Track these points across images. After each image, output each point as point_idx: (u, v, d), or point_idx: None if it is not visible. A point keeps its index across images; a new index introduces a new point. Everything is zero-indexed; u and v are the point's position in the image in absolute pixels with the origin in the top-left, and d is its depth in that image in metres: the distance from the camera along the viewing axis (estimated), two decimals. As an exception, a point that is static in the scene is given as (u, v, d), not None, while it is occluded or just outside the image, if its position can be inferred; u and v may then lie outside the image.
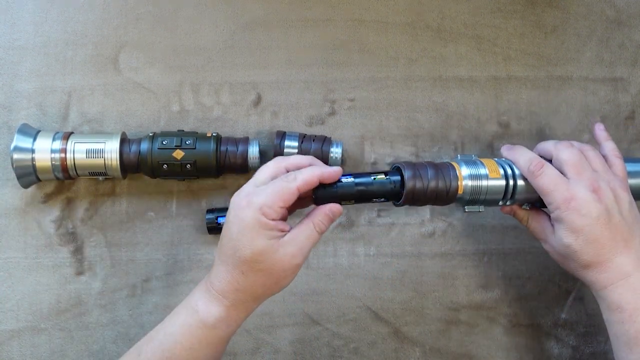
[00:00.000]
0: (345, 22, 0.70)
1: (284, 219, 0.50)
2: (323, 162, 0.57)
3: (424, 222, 0.67)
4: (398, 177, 0.53)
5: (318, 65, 0.69)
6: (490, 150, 0.69)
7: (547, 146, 0.56)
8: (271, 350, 0.65)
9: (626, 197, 0.52)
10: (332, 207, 0.50)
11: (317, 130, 0.68)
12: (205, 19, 0.69)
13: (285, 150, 0.63)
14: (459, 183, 0.53)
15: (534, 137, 0.69)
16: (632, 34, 0.72)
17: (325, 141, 0.64)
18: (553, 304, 0.67)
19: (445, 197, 0.54)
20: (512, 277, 0.67)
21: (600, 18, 0.72)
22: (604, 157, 0.56)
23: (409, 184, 0.52)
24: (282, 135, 0.64)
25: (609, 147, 0.57)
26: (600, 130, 0.60)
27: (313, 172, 0.49)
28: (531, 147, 0.69)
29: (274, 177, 0.50)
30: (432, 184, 0.52)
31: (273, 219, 0.48)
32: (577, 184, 0.52)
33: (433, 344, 0.65)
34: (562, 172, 0.53)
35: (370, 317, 0.66)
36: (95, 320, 0.64)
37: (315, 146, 0.63)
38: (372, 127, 0.68)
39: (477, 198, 0.55)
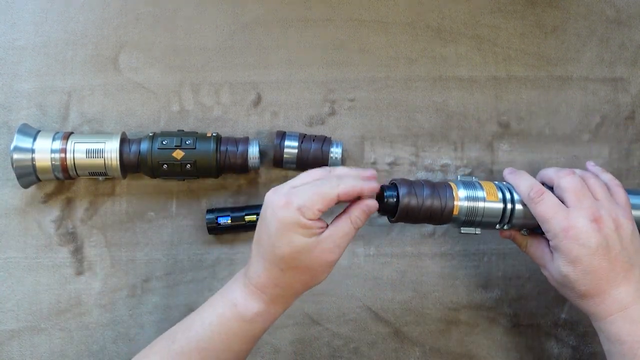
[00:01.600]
0: (345, 22, 0.70)
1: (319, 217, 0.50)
2: (323, 162, 0.57)
3: (424, 222, 0.67)
4: (394, 193, 0.53)
5: (318, 65, 0.69)
6: (491, 150, 0.69)
7: (549, 173, 0.55)
8: (271, 350, 0.65)
9: (629, 226, 0.51)
10: (369, 203, 0.50)
11: (317, 130, 0.68)
12: (205, 19, 0.69)
13: (285, 150, 0.63)
14: (454, 203, 0.53)
15: (534, 137, 0.69)
16: (632, 34, 0.72)
17: (325, 141, 0.64)
18: (553, 304, 0.67)
19: (440, 217, 0.54)
20: (512, 277, 0.67)
21: (600, 18, 0.72)
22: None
23: (403, 200, 0.52)
24: (282, 135, 0.64)
25: (608, 177, 0.56)
26: (592, 167, 0.59)
27: (355, 183, 0.49)
28: (531, 147, 0.69)
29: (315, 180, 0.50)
30: (427, 202, 0.53)
31: (310, 219, 0.48)
32: (576, 212, 0.51)
33: (433, 344, 0.65)
34: (562, 200, 0.52)
35: (370, 317, 0.66)
36: (95, 320, 0.64)
37: (315, 146, 0.63)
38: (372, 127, 0.68)
39: (473, 220, 0.54)
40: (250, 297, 0.50)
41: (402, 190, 0.53)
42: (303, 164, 0.63)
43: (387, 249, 0.67)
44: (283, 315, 0.65)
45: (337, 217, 0.50)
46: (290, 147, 0.63)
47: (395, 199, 0.53)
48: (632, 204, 0.55)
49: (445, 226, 0.67)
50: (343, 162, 0.67)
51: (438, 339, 0.66)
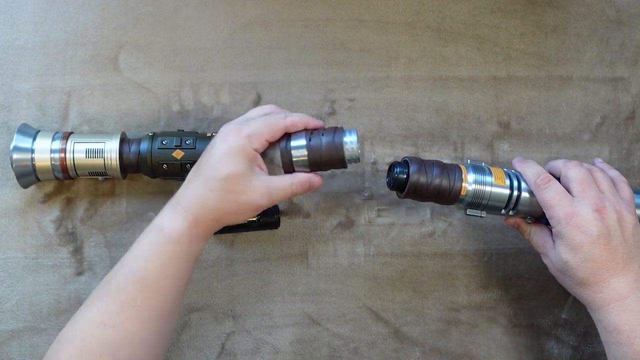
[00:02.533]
0: (345, 22, 0.70)
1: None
2: (339, 158, 0.54)
3: (424, 222, 0.67)
4: (404, 169, 0.56)
5: (318, 65, 0.69)
6: (491, 150, 0.69)
7: (557, 164, 0.57)
8: (271, 350, 0.65)
9: (631, 220, 0.53)
10: (314, 178, 0.54)
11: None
12: (205, 19, 0.69)
13: (293, 152, 0.54)
14: (462, 184, 0.55)
15: (534, 137, 0.69)
16: (633, 34, 0.72)
17: (337, 132, 0.54)
18: (553, 304, 0.67)
19: (447, 196, 0.55)
20: (512, 277, 0.67)
21: (600, 18, 0.72)
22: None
23: (413, 177, 0.55)
24: (287, 137, 0.55)
25: (614, 173, 0.58)
26: (600, 163, 0.61)
27: (302, 116, 0.54)
28: (532, 147, 0.69)
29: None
30: (436, 181, 0.55)
31: (256, 150, 0.51)
32: (581, 201, 0.52)
33: (433, 344, 0.65)
34: (568, 190, 0.54)
35: (370, 317, 0.66)
36: (95, 320, 0.64)
37: (326, 139, 0.54)
38: (372, 127, 0.68)
39: (479, 202, 0.56)
40: (176, 217, 0.51)
41: (413, 168, 0.55)
42: (317, 163, 0.54)
43: (387, 249, 0.67)
44: (283, 315, 0.65)
45: (283, 175, 0.53)
46: (298, 147, 0.54)
47: (405, 175, 0.55)
48: (636, 203, 0.56)
49: (445, 226, 0.67)
50: (361, 152, 0.67)
51: (438, 339, 0.66)
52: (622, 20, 0.72)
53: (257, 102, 0.68)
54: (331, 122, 0.68)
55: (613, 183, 0.56)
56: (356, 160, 0.54)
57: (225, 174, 0.50)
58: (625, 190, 0.56)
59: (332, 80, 0.69)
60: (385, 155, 0.68)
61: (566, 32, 0.71)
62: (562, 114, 0.70)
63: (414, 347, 0.65)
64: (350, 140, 0.54)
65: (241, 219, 0.52)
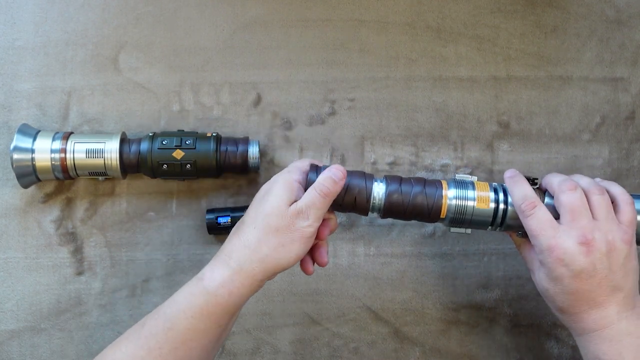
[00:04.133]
0: (345, 22, 0.70)
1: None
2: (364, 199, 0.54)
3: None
4: (383, 188, 0.54)
5: (318, 65, 0.69)
6: (490, 150, 0.69)
7: (553, 183, 0.53)
8: (271, 350, 0.65)
9: (623, 250, 0.49)
10: (334, 169, 0.53)
11: (317, 130, 0.68)
12: (205, 19, 0.69)
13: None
14: (442, 202, 0.53)
15: (534, 137, 0.69)
16: (633, 34, 0.72)
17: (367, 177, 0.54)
18: (553, 304, 0.67)
19: (427, 215, 0.54)
20: (512, 277, 0.67)
21: (600, 18, 0.72)
22: (613, 200, 0.52)
23: (392, 197, 0.53)
24: (315, 169, 0.55)
25: (618, 191, 0.52)
26: (602, 182, 0.55)
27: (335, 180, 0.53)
28: (531, 147, 0.69)
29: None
30: (416, 199, 0.53)
31: (298, 180, 0.52)
32: (566, 233, 0.49)
33: (433, 344, 0.65)
34: (560, 214, 0.51)
35: (370, 317, 0.66)
36: (95, 320, 0.64)
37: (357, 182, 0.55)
38: (372, 127, 0.68)
39: (462, 218, 0.54)
40: (217, 265, 0.50)
41: (391, 187, 0.53)
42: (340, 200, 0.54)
43: (387, 249, 0.67)
44: (283, 315, 0.65)
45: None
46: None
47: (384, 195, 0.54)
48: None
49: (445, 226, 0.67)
50: (361, 152, 0.67)
51: (438, 339, 0.66)
52: (622, 20, 0.72)
53: (257, 102, 0.68)
54: (331, 122, 0.68)
55: (616, 204, 0.51)
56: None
57: (269, 207, 0.50)
58: (627, 213, 0.50)
59: (332, 80, 0.69)
60: (385, 155, 0.68)
61: (566, 32, 0.71)
62: (562, 114, 0.70)
63: (414, 347, 0.65)
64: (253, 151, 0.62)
65: (292, 252, 0.50)
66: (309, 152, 0.68)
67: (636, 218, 0.51)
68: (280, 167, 0.67)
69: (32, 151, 0.60)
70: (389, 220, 0.67)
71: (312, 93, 0.69)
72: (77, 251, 0.65)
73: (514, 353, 0.66)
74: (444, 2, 0.71)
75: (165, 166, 0.61)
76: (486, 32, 0.71)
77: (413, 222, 0.67)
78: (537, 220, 0.50)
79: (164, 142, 0.61)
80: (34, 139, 0.61)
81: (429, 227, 0.67)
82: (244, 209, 0.64)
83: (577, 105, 0.70)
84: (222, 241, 0.65)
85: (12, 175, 0.62)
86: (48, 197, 0.65)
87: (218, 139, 0.63)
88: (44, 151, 0.60)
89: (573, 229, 0.49)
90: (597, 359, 0.49)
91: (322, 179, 0.51)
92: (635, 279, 0.50)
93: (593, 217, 0.50)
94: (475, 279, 0.67)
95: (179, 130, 0.64)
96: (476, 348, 0.66)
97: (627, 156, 0.70)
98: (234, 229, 0.53)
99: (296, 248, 0.50)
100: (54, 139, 0.61)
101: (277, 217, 0.49)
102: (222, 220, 0.63)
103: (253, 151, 0.63)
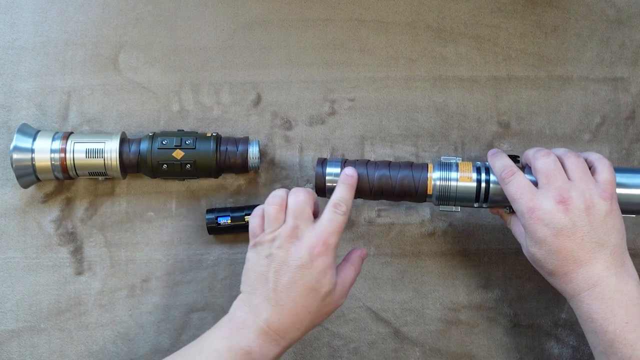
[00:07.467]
0: (345, 22, 0.70)
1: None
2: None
3: (424, 222, 0.67)
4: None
5: (318, 65, 0.69)
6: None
7: (528, 154, 0.56)
8: (271, 351, 0.64)
9: (602, 207, 0.50)
10: (364, 251, 0.58)
11: (317, 130, 0.68)
12: (205, 19, 0.69)
13: (327, 177, 0.58)
14: (427, 183, 0.57)
15: (534, 137, 0.69)
16: (633, 34, 0.72)
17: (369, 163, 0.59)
18: (553, 304, 0.67)
19: (415, 194, 0.58)
20: (512, 277, 0.67)
21: (600, 18, 0.72)
22: (591, 165, 0.54)
23: (381, 179, 0.58)
24: (323, 163, 0.59)
25: (594, 156, 0.55)
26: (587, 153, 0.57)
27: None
28: (532, 147, 0.69)
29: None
30: (403, 181, 0.58)
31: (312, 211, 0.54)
32: (543, 194, 0.51)
33: (433, 344, 0.65)
34: (537, 180, 0.53)
35: (370, 317, 0.66)
36: (95, 320, 0.64)
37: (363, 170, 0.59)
38: (372, 127, 0.68)
39: (448, 196, 0.57)
40: (270, 343, 0.50)
41: (378, 173, 0.58)
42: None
43: (387, 249, 0.67)
44: (283, 316, 0.65)
45: (340, 265, 0.55)
46: (333, 174, 0.58)
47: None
48: (621, 183, 0.54)
49: (445, 226, 0.67)
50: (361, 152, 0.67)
51: (438, 339, 0.66)
52: (622, 20, 0.72)
53: (257, 102, 0.68)
54: (331, 122, 0.68)
55: (593, 167, 0.53)
56: None
57: (327, 290, 0.52)
58: (604, 172, 0.52)
59: (332, 80, 0.69)
60: (385, 155, 0.68)
61: (566, 32, 0.71)
62: (562, 114, 0.70)
63: (414, 347, 0.65)
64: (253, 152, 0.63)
65: (319, 322, 0.53)
66: (309, 152, 0.68)
67: (615, 179, 0.53)
68: (281, 167, 0.67)
69: (32, 151, 0.60)
70: (389, 219, 0.67)
71: (312, 93, 0.69)
72: (77, 251, 0.65)
73: (514, 353, 0.66)
74: (444, 2, 0.71)
75: (165, 166, 0.61)
76: (486, 32, 0.71)
77: (413, 221, 0.67)
78: (516, 185, 0.53)
79: (163, 142, 0.61)
80: (34, 139, 0.61)
81: (429, 227, 0.67)
82: (244, 209, 0.64)
83: (578, 105, 0.70)
84: (222, 241, 0.66)
85: (12, 175, 0.62)
86: (48, 197, 0.65)
87: (218, 138, 0.63)
88: (43, 151, 0.60)
89: (549, 190, 0.51)
90: (590, 319, 0.50)
91: (358, 259, 0.57)
92: (620, 236, 0.51)
93: (569, 178, 0.52)
94: (475, 279, 0.67)
95: (178, 130, 0.64)
96: (476, 348, 0.66)
97: (628, 156, 0.69)
98: (265, 296, 0.51)
99: (325, 317, 0.54)
100: (53, 139, 0.61)
101: (332, 294, 0.52)
102: (222, 220, 0.63)
103: (253, 151, 0.63)
